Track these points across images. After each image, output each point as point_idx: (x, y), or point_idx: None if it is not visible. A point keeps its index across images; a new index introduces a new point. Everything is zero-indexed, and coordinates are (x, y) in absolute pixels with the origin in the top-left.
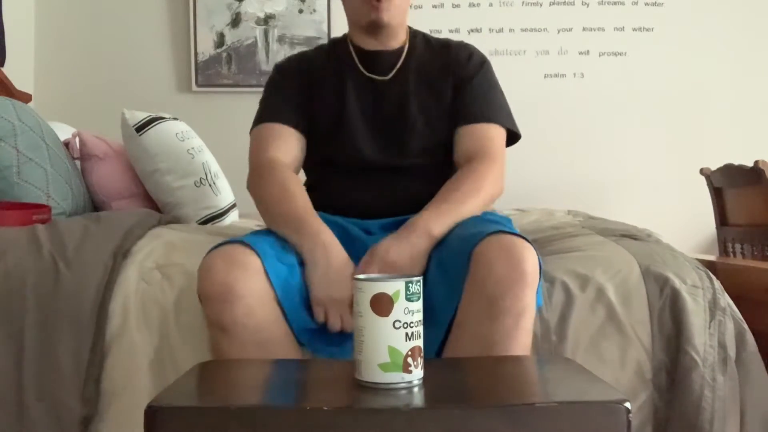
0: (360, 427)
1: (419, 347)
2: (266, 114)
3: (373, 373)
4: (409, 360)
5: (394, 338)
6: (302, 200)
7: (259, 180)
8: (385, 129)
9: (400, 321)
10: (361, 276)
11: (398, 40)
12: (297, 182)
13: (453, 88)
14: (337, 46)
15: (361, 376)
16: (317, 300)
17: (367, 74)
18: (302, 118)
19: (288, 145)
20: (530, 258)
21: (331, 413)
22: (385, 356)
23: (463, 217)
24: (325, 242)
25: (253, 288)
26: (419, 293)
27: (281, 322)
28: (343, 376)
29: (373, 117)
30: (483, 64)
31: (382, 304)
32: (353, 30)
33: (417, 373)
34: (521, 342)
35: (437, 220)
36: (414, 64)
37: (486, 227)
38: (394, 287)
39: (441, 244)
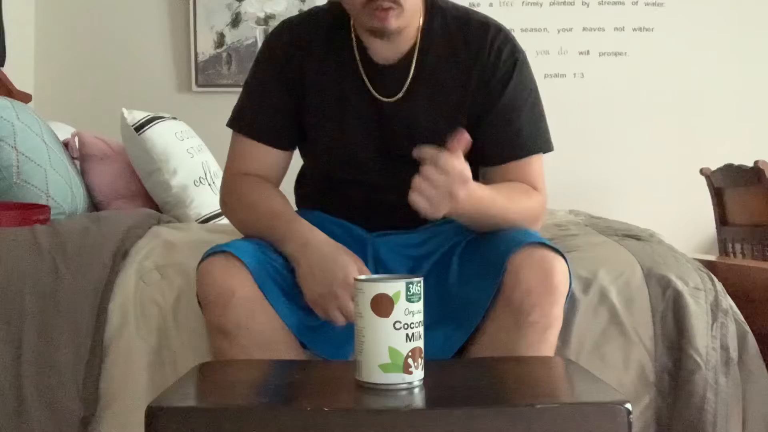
0: (360, 428)
1: (420, 348)
2: (246, 122)
3: (373, 373)
4: (410, 361)
5: (394, 339)
6: (267, 204)
7: (228, 198)
8: (392, 152)
9: (400, 322)
10: (362, 277)
11: (409, 33)
12: (259, 189)
13: (471, 95)
14: (338, 35)
15: (361, 376)
16: (310, 301)
17: (374, 93)
18: (286, 133)
19: (264, 167)
20: (561, 271)
21: (331, 414)
22: (385, 357)
23: (507, 209)
24: (301, 240)
25: (254, 291)
26: (420, 294)
27: (283, 324)
28: (343, 376)
29: (378, 140)
30: (512, 72)
31: (382, 305)
32: (357, 26)
33: (417, 374)
34: (544, 354)
35: (484, 188)
36: (426, 74)
37: (523, 237)
38: (395, 288)
39: (478, 245)
